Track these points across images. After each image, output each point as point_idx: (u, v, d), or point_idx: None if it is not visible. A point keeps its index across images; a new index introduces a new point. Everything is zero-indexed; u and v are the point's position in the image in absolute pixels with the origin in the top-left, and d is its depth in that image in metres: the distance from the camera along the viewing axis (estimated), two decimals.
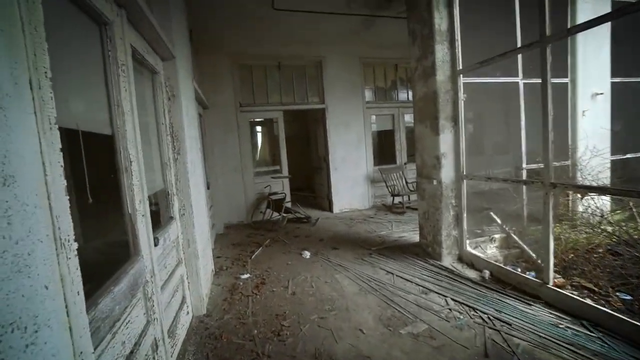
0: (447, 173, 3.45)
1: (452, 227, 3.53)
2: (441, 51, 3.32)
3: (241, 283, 3.34)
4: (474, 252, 3.45)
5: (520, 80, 3.78)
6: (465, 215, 3.48)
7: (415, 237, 4.43)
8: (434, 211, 3.60)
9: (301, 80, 6.34)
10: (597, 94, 4.37)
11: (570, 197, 3.96)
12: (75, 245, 0.99)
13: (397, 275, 3.28)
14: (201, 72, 5.47)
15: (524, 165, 3.94)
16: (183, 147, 2.65)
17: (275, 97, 6.23)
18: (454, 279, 3.10)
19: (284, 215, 5.69)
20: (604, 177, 3.94)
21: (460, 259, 3.55)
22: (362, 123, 6.67)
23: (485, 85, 3.69)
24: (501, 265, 3.13)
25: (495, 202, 4.34)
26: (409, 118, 7.31)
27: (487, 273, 3.12)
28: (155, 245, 1.83)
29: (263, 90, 6.15)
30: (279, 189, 6.25)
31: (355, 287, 3.10)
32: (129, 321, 1.42)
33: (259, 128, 8.16)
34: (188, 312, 2.58)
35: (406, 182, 6.72)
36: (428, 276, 3.22)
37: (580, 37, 4.13)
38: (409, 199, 6.73)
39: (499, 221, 4.10)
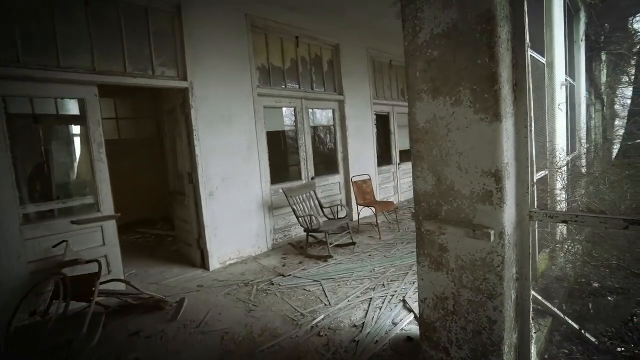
0: (510, 210, 1.49)
1: (514, 329, 1.58)
2: None
3: None
4: None
5: None
6: (532, 295, 1.60)
7: (388, 318, 2.34)
8: (477, 301, 1.56)
9: (138, 31, 3.40)
10: (565, 84, 3.42)
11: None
12: None
13: None
14: None
15: None
16: None
17: (82, 58, 3.08)
18: None
19: (103, 308, 2.62)
20: None
21: None
22: (253, 118, 4.24)
23: None
24: None
25: None
26: (318, 116, 5.36)
27: None
28: None
29: (49, 39, 2.91)
30: (94, 243, 3.09)
31: None
32: None
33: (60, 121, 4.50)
34: None
35: (321, 207, 4.64)
36: None
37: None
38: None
39: None
